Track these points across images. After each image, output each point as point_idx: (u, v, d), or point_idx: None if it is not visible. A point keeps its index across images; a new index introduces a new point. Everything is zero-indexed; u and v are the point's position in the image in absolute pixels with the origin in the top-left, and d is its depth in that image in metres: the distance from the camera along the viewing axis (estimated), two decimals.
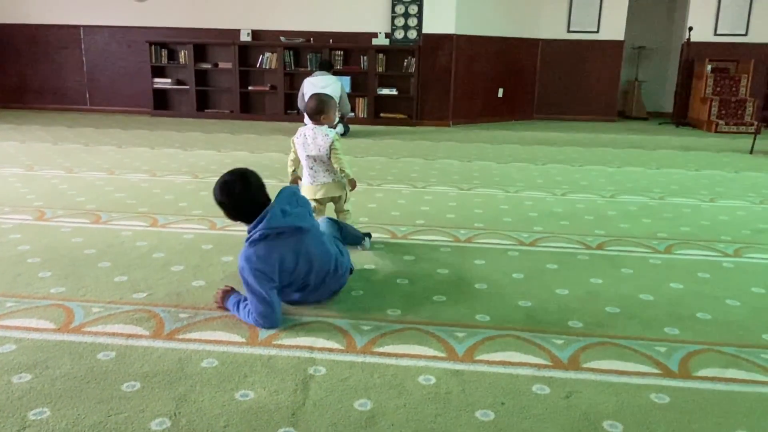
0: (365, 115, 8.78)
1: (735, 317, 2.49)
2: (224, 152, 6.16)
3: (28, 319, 2.32)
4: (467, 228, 3.69)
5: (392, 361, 2.07)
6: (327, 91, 6.14)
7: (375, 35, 8.68)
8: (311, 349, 2.14)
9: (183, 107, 9.19)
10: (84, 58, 9.42)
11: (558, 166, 5.84)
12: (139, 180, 4.80)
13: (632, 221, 3.92)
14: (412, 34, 8.67)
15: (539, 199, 4.49)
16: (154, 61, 8.99)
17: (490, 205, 4.25)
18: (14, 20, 9.37)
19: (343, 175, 3.22)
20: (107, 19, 9.20)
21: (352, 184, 3.28)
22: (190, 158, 5.79)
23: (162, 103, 9.26)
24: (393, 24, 8.68)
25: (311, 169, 3.25)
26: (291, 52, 8.86)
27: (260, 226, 2.29)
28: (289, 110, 8.93)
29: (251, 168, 2.42)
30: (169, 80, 9.11)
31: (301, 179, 3.37)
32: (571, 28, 9.48)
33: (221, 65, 8.96)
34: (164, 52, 9.01)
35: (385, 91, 8.74)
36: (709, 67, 9.05)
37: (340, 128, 6.97)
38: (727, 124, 8.71)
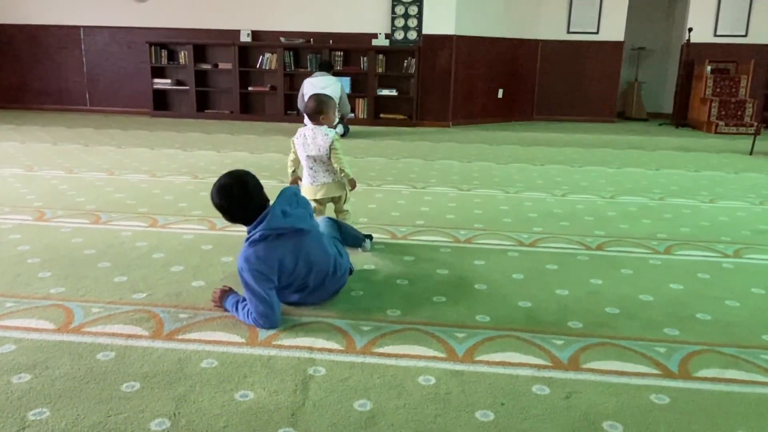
0: (365, 116, 8.78)
1: (735, 318, 2.49)
2: (224, 153, 6.16)
3: (28, 320, 2.31)
4: (467, 228, 3.69)
5: (392, 361, 2.07)
6: (327, 91, 6.14)
7: (375, 36, 8.68)
8: (311, 349, 2.14)
9: (183, 108, 9.19)
10: (84, 59, 9.42)
11: (558, 166, 5.84)
12: (139, 180, 4.80)
13: (632, 222, 3.92)
14: (412, 35, 8.67)
15: (539, 199, 4.49)
16: (154, 61, 8.99)
17: (489, 206, 4.25)
18: (14, 21, 9.38)
19: (343, 174, 3.22)
20: (107, 20, 9.21)
21: (352, 184, 3.28)
22: (190, 159, 5.79)
23: (162, 103, 9.26)
24: (393, 25, 8.68)
25: (311, 169, 3.25)
26: (291, 53, 8.86)
27: (260, 227, 2.29)
28: (289, 111, 8.93)
29: (251, 168, 2.42)
30: (168, 81, 9.11)
31: (301, 180, 3.37)
32: (571, 29, 9.49)
33: (221, 66, 8.96)
34: (164, 53, 9.01)
35: (385, 92, 8.74)
36: (708, 68, 9.05)
37: (340, 129, 6.97)
38: (726, 125, 8.71)
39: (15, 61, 9.52)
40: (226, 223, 2.40)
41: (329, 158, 3.20)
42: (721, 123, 8.73)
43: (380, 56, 8.70)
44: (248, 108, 9.17)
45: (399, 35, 8.70)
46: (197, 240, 3.34)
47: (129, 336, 2.20)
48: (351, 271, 2.77)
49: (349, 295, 2.62)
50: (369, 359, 2.08)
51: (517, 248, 3.34)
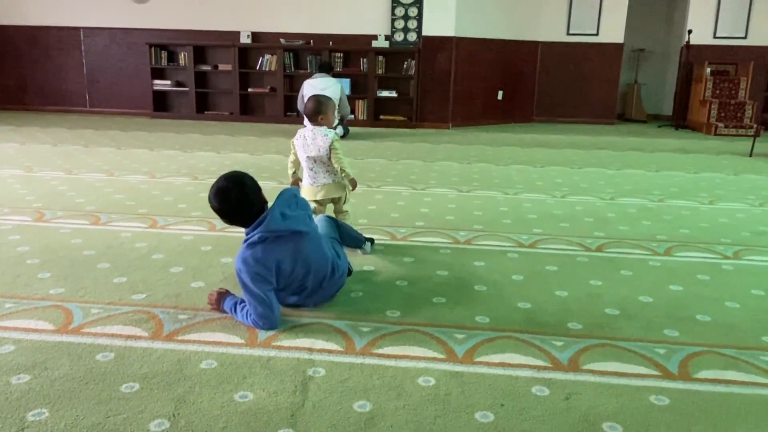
0: (365, 117, 8.78)
1: (734, 319, 2.49)
2: (224, 154, 6.16)
3: (27, 320, 2.31)
4: (467, 230, 3.69)
5: (392, 362, 2.06)
6: (327, 93, 6.14)
7: (375, 37, 8.69)
8: (310, 350, 2.13)
9: (183, 109, 9.20)
10: (84, 60, 9.42)
11: (557, 168, 5.84)
12: (139, 181, 4.80)
13: (632, 223, 3.92)
14: (412, 37, 8.68)
15: (539, 201, 4.49)
16: (153, 62, 9.00)
17: (489, 207, 4.25)
18: (14, 22, 9.38)
19: (343, 174, 3.22)
20: (107, 21, 9.21)
21: (353, 184, 3.27)
22: (190, 160, 5.79)
23: (162, 104, 9.26)
24: (393, 26, 8.69)
25: (311, 170, 3.25)
26: (291, 54, 8.87)
27: (259, 229, 2.28)
28: (288, 112, 8.93)
29: (251, 169, 2.42)
30: (168, 82, 9.11)
31: (301, 181, 3.37)
32: (571, 31, 9.49)
33: (221, 67, 8.97)
34: (164, 54, 9.02)
35: (385, 93, 8.74)
36: (708, 70, 9.06)
37: (339, 130, 6.97)
38: (726, 126, 8.72)
39: (15, 63, 9.53)
40: (225, 224, 2.40)
41: (329, 159, 3.20)
42: (721, 125, 8.73)
43: (380, 58, 8.71)
44: (248, 109, 9.17)
45: (399, 37, 8.70)
46: (197, 241, 3.34)
47: (128, 337, 2.20)
48: (350, 272, 2.77)
49: (348, 296, 2.62)
50: (368, 360, 2.07)
51: (517, 249, 3.34)
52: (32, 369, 1.96)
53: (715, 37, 9.30)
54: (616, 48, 9.44)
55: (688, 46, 9.08)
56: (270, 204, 2.38)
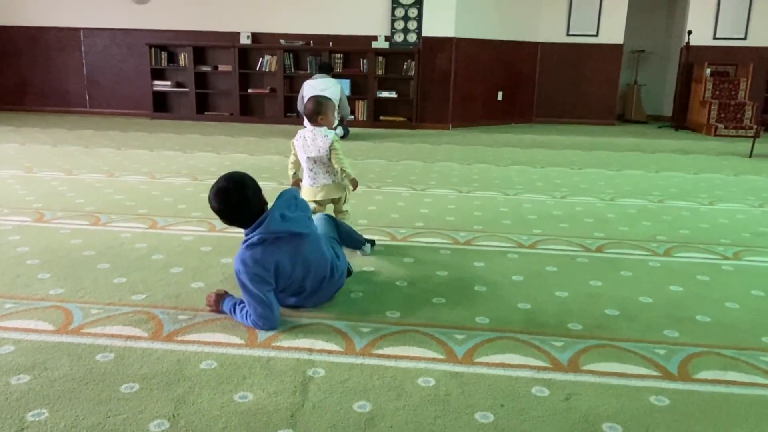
0: (365, 118, 8.78)
1: (734, 320, 2.49)
2: (224, 155, 6.17)
3: (27, 321, 2.31)
4: (467, 230, 3.69)
5: (391, 363, 2.06)
6: (327, 93, 6.14)
7: (375, 38, 8.69)
8: (310, 350, 2.13)
9: (183, 110, 9.19)
10: (84, 61, 9.42)
11: (557, 169, 5.84)
12: (139, 182, 4.80)
13: (632, 224, 3.92)
14: (412, 38, 8.68)
15: (538, 201, 4.49)
16: (153, 63, 8.99)
17: (489, 208, 4.25)
18: (14, 22, 9.38)
19: (344, 174, 3.22)
20: (107, 22, 9.21)
21: (354, 184, 3.27)
22: (190, 160, 5.79)
23: (162, 105, 9.26)
24: (393, 27, 8.69)
25: (311, 170, 3.25)
26: (291, 55, 8.87)
27: (258, 231, 2.28)
28: (288, 113, 8.93)
29: (251, 170, 2.41)
30: (168, 83, 9.11)
31: (302, 181, 3.37)
32: (571, 32, 9.50)
33: (221, 68, 8.96)
34: (164, 55, 9.02)
35: (385, 94, 8.74)
36: (708, 71, 9.06)
37: (339, 131, 6.97)
38: (726, 127, 8.72)
39: (15, 63, 9.53)
40: (225, 225, 2.39)
41: (329, 159, 3.20)
42: (721, 125, 8.73)
43: (380, 58, 8.71)
44: (248, 110, 9.17)
45: (399, 37, 8.71)
46: (196, 241, 3.34)
47: (128, 337, 2.20)
48: (350, 273, 2.77)
49: (348, 296, 2.62)
50: (368, 361, 2.07)
51: (517, 250, 3.34)
52: (32, 369, 1.96)
53: (714, 37, 9.30)
54: (615, 49, 9.45)
55: (687, 46, 9.08)
56: (270, 205, 2.38)
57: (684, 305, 2.62)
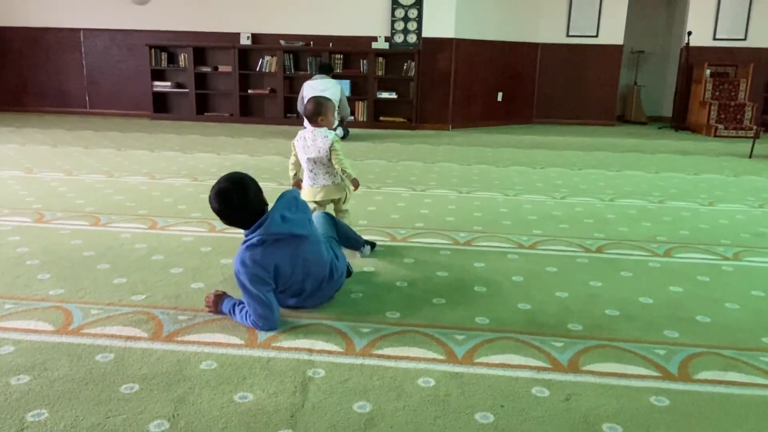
0: (365, 119, 8.79)
1: (734, 320, 2.49)
2: (224, 155, 6.17)
3: (27, 321, 2.31)
4: (467, 231, 3.69)
5: (391, 363, 2.06)
6: (327, 94, 6.13)
7: (375, 39, 8.69)
8: (310, 351, 2.13)
9: (183, 110, 9.19)
10: (84, 61, 9.42)
11: (557, 169, 5.84)
12: (139, 183, 4.80)
13: (631, 224, 3.92)
14: (412, 38, 8.68)
15: (538, 202, 4.49)
16: (153, 64, 9.00)
17: (489, 209, 4.25)
18: (14, 23, 9.38)
19: (345, 175, 3.22)
20: (107, 23, 9.22)
21: (355, 184, 3.27)
22: (190, 161, 5.79)
23: (162, 106, 9.27)
24: (393, 28, 8.69)
25: (311, 171, 3.26)
26: (291, 56, 8.88)
27: (258, 232, 2.28)
28: (288, 113, 8.94)
29: (251, 171, 2.41)
30: (168, 83, 9.11)
31: (302, 182, 3.37)
32: (571, 33, 9.50)
33: (221, 68, 8.97)
34: (164, 56, 9.02)
35: (385, 95, 8.74)
36: (708, 72, 9.07)
37: (339, 131, 6.97)
38: (726, 128, 8.72)
39: (15, 64, 9.53)
40: (225, 225, 2.39)
41: (329, 160, 3.20)
42: (721, 126, 8.73)
43: (380, 59, 8.71)
44: (248, 111, 9.17)
45: (399, 38, 8.71)
46: (196, 242, 3.34)
47: (128, 338, 2.20)
48: (350, 273, 2.77)
49: (348, 297, 2.62)
50: (368, 361, 2.07)
51: (517, 251, 3.34)
52: (32, 370, 1.96)
53: (714, 38, 9.31)
54: (615, 50, 9.45)
55: (687, 47, 9.09)
56: (270, 206, 2.38)
57: (684, 306, 2.62)
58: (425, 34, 8.57)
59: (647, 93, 10.50)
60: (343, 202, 3.36)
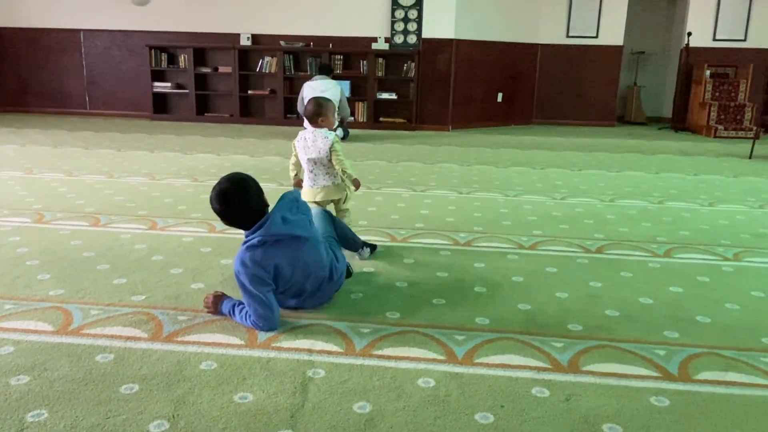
0: (365, 120, 8.79)
1: (734, 321, 2.49)
2: (224, 156, 6.17)
3: (27, 321, 2.31)
4: (467, 231, 3.69)
5: (391, 363, 2.06)
6: (327, 95, 6.14)
7: (375, 40, 8.70)
8: (310, 351, 2.13)
9: (183, 111, 9.20)
10: (84, 62, 9.43)
11: (557, 170, 5.84)
12: (139, 183, 4.80)
13: (632, 225, 3.92)
14: (412, 39, 8.69)
15: (538, 203, 4.49)
16: (154, 65, 9.00)
17: (489, 209, 4.25)
18: (15, 24, 9.39)
19: (345, 175, 3.22)
20: (107, 23, 9.22)
21: (356, 184, 3.26)
22: (190, 162, 5.79)
23: (162, 106, 9.27)
24: (393, 29, 8.69)
25: (311, 172, 3.26)
26: (291, 57, 8.88)
27: (259, 232, 2.28)
28: (288, 114, 8.94)
29: (251, 171, 2.41)
30: (168, 84, 9.11)
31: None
32: (570, 33, 9.50)
33: (221, 69, 8.97)
34: (164, 56, 9.03)
35: (385, 96, 8.75)
36: (707, 72, 9.07)
37: (339, 132, 6.97)
38: (726, 129, 8.72)
39: (15, 65, 9.53)
40: (225, 226, 2.39)
41: (329, 161, 3.20)
42: (721, 127, 8.73)
43: (380, 60, 8.71)
44: (248, 111, 9.17)
45: (399, 39, 8.71)
46: (196, 243, 3.34)
47: (128, 338, 2.20)
48: (350, 274, 2.77)
49: (348, 297, 2.62)
50: (368, 361, 2.07)
51: (517, 251, 3.33)
52: (32, 370, 1.96)
53: (714, 39, 9.31)
54: (615, 50, 9.45)
55: (687, 48, 9.09)
56: (271, 207, 2.38)
57: (684, 306, 2.62)
58: (425, 34, 8.57)
59: (647, 94, 10.50)
60: (344, 202, 3.36)
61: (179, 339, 2.20)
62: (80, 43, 9.36)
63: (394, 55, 8.70)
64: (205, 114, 9.16)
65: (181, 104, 9.22)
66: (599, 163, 6.26)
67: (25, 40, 9.42)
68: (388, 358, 2.10)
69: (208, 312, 2.41)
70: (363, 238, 3.39)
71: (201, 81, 9.09)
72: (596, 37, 9.44)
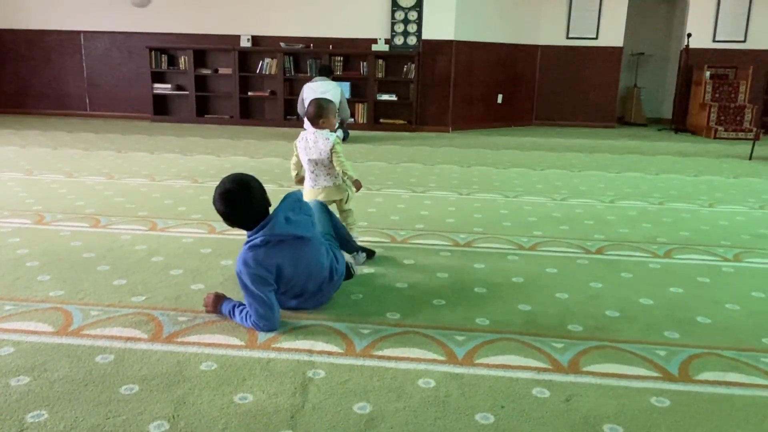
0: (365, 121, 8.79)
1: (735, 321, 2.49)
2: (224, 157, 6.17)
3: (27, 322, 2.31)
4: (467, 232, 3.68)
5: (392, 364, 2.06)
6: (327, 96, 6.14)
7: (375, 41, 8.70)
8: (310, 352, 2.13)
9: (183, 113, 9.20)
10: (84, 64, 9.44)
11: (557, 171, 5.84)
12: (139, 184, 4.80)
13: (632, 226, 3.92)
14: (412, 40, 8.69)
15: (539, 203, 4.49)
16: (154, 66, 9.01)
17: (489, 210, 4.25)
18: (15, 26, 9.40)
19: (346, 177, 3.22)
20: (107, 25, 9.23)
21: (357, 185, 3.26)
22: (190, 163, 5.79)
23: (162, 108, 9.27)
24: (393, 30, 8.70)
25: (312, 172, 3.26)
26: (291, 58, 8.89)
27: (262, 232, 2.28)
28: (288, 116, 8.94)
29: (251, 173, 2.40)
30: (169, 86, 9.12)
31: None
32: (570, 35, 9.51)
33: (221, 71, 8.98)
34: (164, 58, 9.03)
35: (385, 97, 8.75)
36: (707, 74, 9.07)
37: (339, 133, 6.97)
38: (726, 130, 8.72)
39: (15, 66, 9.54)
40: (225, 226, 2.40)
41: (330, 162, 3.21)
42: (721, 128, 8.74)
43: (380, 61, 8.72)
44: (248, 113, 9.18)
45: (399, 40, 8.72)
46: (196, 243, 3.34)
47: (128, 339, 2.20)
48: (351, 275, 2.76)
49: (348, 298, 2.62)
50: (368, 362, 2.07)
51: (517, 252, 3.33)
52: (32, 371, 1.96)
53: (714, 40, 9.32)
54: (615, 51, 9.46)
55: (687, 49, 9.10)
56: (273, 207, 2.38)
57: (684, 307, 2.62)
58: (425, 36, 8.58)
59: (647, 95, 10.50)
60: (345, 203, 3.36)
61: (179, 340, 2.20)
62: (80, 44, 9.37)
63: (394, 57, 8.71)
64: (205, 115, 9.16)
65: (181, 106, 9.23)
66: (599, 164, 6.26)
67: (25, 41, 9.43)
68: (389, 358, 2.10)
69: (207, 311, 2.41)
70: (363, 239, 3.40)
71: (201, 82, 9.09)
72: (596, 38, 9.44)
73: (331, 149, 3.18)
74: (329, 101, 3.38)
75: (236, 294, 2.47)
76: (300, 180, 3.40)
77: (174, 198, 4.38)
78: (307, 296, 2.45)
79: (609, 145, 7.72)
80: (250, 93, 9.03)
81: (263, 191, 2.35)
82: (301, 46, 8.80)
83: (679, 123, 9.45)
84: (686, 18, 9.39)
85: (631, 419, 1.78)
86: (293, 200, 2.42)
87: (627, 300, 2.68)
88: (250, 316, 2.27)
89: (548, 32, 9.53)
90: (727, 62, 9.27)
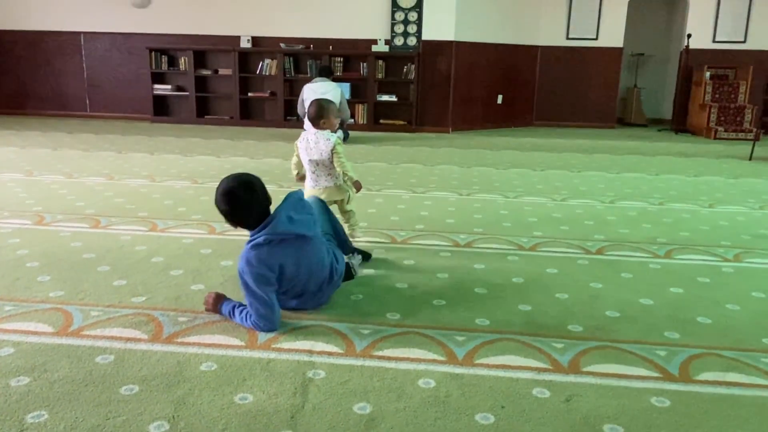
0: (365, 122, 8.79)
1: (735, 321, 2.49)
2: (224, 158, 6.17)
3: (27, 323, 2.31)
4: (467, 233, 3.68)
5: (392, 364, 2.06)
6: (327, 97, 6.14)
7: (375, 42, 8.71)
8: (310, 352, 2.13)
9: (183, 113, 9.21)
10: (84, 65, 9.44)
11: (557, 171, 5.84)
12: (139, 185, 4.80)
13: (632, 226, 3.92)
14: (412, 41, 8.70)
15: (539, 204, 4.49)
16: (154, 67, 9.01)
17: (489, 210, 4.25)
18: (15, 26, 9.40)
19: (346, 177, 3.22)
20: (107, 26, 9.24)
21: (357, 186, 3.26)
22: (190, 164, 5.79)
23: (162, 109, 9.28)
24: (393, 31, 8.71)
25: (314, 173, 3.27)
26: (291, 59, 8.89)
27: (264, 231, 2.28)
28: (288, 116, 8.94)
29: (251, 173, 2.40)
30: (169, 86, 9.13)
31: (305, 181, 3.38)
32: (570, 35, 9.51)
33: (221, 72, 8.98)
34: (164, 59, 9.04)
35: (385, 98, 8.75)
36: (707, 74, 9.07)
37: (340, 134, 6.97)
38: (726, 130, 8.73)
39: (15, 67, 9.55)
40: (225, 227, 2.40)
41: (331, 162, 3.21)
42: (721, 129, 8.74)
43: (380, 62, 8.72)
44: (248, 113, 9.18)
45: (399, 41, 8.72)
46: (196, 244, 3.34)
47: (128, 339, 2.20)
48: (352, 275, 2.76)
49: (348, 298, 2.62)
50: (369, 362, 2.07)
51: (517, 252, 3.33)
52: (32, 371, 1.96)
53: (714, 41, 9.32)
54: (615, 52, 9.46)
55: (687, 50, 9.10)
56: (274, 206, 2.38)
57: (684, 307, 2.62)
58: (425, 36, 8.58)
59: (647, 95, 10.50)
60: (347, 203, 3.36)
61: (179, 340, 2.20)
62: (80, 45, 9.37)
63: (394, 57, 8.71)
64: (206, 116, 9.17)
65: (181, 106, 9.23)
66: (599, 165, 6.26)
67: (25, 42, 9.43)
68: (389, 359, 2.10)
69: (207, 310, 2.41)
70: (364, 239, 3.40)
71: (201, 83, 9.10)
72: (596, 38, 9.44)
73: (332, 150, 3.18)
74: (330, 102, 3.38)
75: (237, 294, 2.47)
76: (301, 178, 3.40)
77: (174, 199, 4.38)
78: (307, 296, 2.45)
79: (609, 146, 7.72)
80: (250, 94, 9.04)
81: (265, 189, 2.35)
82: (301, 46, 8.80)
83: (679, 123, 9.45)
84: (686, 18, 9.39)
85: (632, 419, 1.78)
86: (295, 199, 2.42)
87: (627, 300, 2.67)
88: (251, 315, 2.27)
89: (548, 33, 9.53)
90: (727, 63, 9.28)
